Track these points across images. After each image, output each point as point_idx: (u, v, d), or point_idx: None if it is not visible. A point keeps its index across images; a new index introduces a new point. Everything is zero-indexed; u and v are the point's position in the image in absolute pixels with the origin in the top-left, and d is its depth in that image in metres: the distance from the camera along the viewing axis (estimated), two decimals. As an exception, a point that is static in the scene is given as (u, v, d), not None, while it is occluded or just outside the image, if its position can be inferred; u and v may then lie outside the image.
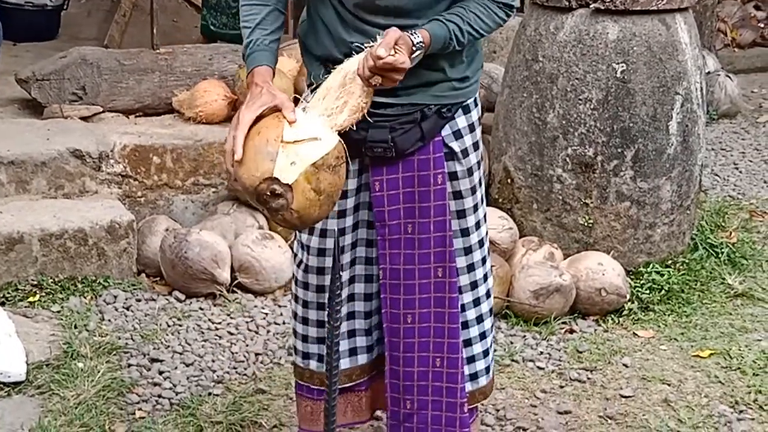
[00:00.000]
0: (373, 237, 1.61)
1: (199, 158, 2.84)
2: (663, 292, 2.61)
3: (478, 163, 1.62)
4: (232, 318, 2.46)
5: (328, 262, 1.60)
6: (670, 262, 2.72)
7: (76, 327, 2.31)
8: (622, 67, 2.60)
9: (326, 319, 1.57)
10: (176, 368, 2.21)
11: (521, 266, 2.55)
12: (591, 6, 2.61)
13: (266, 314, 2.49)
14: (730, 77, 4.16)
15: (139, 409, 2.05)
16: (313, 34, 1.55)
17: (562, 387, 2.22)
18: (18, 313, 2.35)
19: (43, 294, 2.45)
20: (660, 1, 2.59)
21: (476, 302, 1.67)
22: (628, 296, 2.56)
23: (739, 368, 2.30)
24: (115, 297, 2.49)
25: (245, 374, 2.21)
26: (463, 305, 1.64)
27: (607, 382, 2.25)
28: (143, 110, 3.03)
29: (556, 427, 2.06)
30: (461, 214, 1.60)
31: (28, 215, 2.53)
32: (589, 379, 2.25)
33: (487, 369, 1.72)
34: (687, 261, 2.74)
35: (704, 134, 2.80)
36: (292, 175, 1.35)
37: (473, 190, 1.61)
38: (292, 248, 2.54)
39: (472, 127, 1.60)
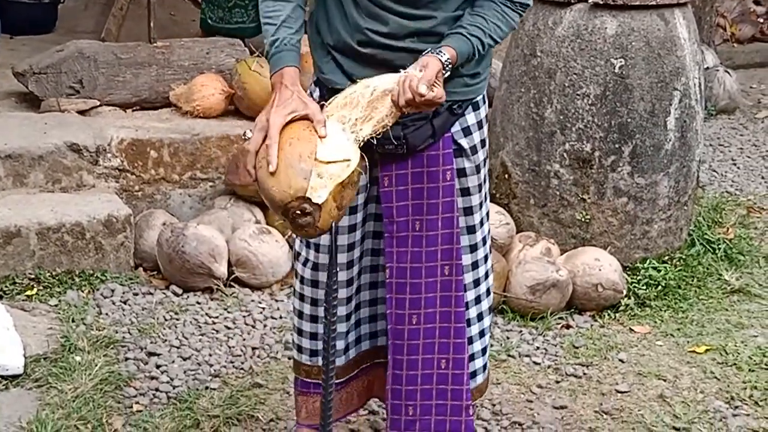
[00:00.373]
0: (380, 229, 1.61)
1: (197, 152, 2.84)
2: (660, 287, 2.61)
3: (485, 159, 1.62)
4: (229, 312, 2.47)
5: (341, 258, 1.59)
6: (666, 257, 2.72)
7: (73, 321, 2.32)
8: (621, 62, 2.59)
9: (323, 314, 1.56)
10: (173, 362, 2.21)
11: (518, 261, 2.56)
12: (589, 1, 2.61)
13: (263, 308, 2.50)
14: (728, 73, 4.16)
15: (137, 402, 2.05)
16: (325, 21, 1.53)
17: (558, 382, 2.22)
18: (15, 306, 2.35)
19: (41, 288, 2.45)
20: (659, -4, 2.59)
21: (477, 300, 1.67)
22: (624, 292, 2.56)
23: (734, 364, 2.31)
24: (113, 291, 2.49)
25: (242, 368, 2.21)
26: (466, 303, 1.64)
27: (603, 377, 2.25)
28: (140, 104, 3.02)
29: (552, 422, 2.06)
30: (468, 211, 1.60)
31: (26, 209, 2.52)
32: (585, 374, 2.26)
33: (485, 367, 1.73)
34: (684, 257, 2.74)
35: (702, 130, 2.80)
36: (322, 196, 1.36)
37: (480, 188, 1.61)
38: (289, 243, 2.55)
39: (480, 124, 1.60)
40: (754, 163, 3.66)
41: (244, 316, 2.45)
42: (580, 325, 2.50)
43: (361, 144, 1.42)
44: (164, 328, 2.36)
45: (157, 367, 2.19)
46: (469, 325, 1.66)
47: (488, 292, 1.70)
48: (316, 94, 1.57)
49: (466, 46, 1.47)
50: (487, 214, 1.66)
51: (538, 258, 2.56)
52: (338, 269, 1.59)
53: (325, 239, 1.59)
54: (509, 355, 2.33)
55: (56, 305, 2.39)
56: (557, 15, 2.65)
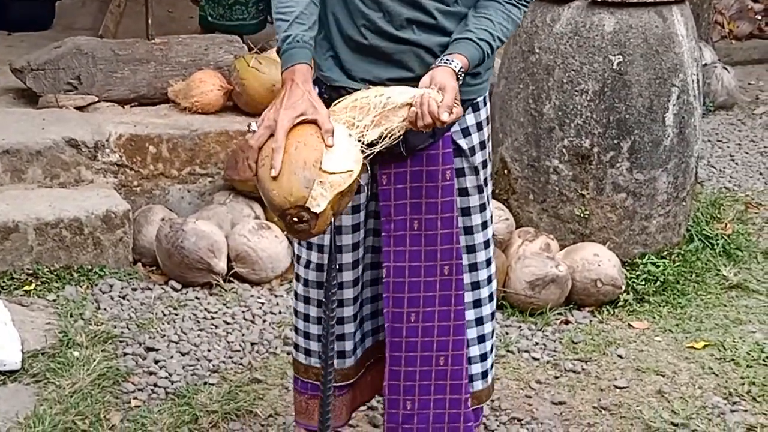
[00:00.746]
0: (379, 227, 1.60)
1: (195, 148, 2.83)
2: (658, 283, 2.61)
3: (485, 162, 1.61)
4: (228, 307, 2.46)
5: (345, 258, 1.58)
6: (665, 253, 2.72)
7: (71, 316, 2.31)
8: (619, 58, 2.60)
9: (323, 309, 1.55)
10: (172, 357, 2.21)
11: (517, 257, 2.56)
12: (588, -3, 2.61)
13: (262, 304, 2.49)
14: (726, 69, 4.16)
15: (135, 398, 2.05)
16: (328, 13, 1.51)
17: (556, 378, 2.23)
18: (13, 301, 2.35)
19: (39, 283, 2.44)
20: (657, -7, 2.59)
21: (476, 303, 1.65)
22: (623, 287, 2.56)
23: (732, 360, 2.31)
24: (111, 286, 2.49)
25: (241, 363, 2.21)
26: None
27: (601, 373, 2.26)
28: (138, 100, 3.02)
29: (551, 417, 2.06)
30: (466, 211, 1.59)
31: (24, 204, 2.52)
32: (583, 370, 2.26)
33: (484, 374, 1.69)
34: (682, 252, 2.75)
35: (700, 126, 2.81)
36: (322, 205, 1.35)
37: (480, 189, 1.60)
38: (289, 239, 2.55)
39: (480, 126, 1.59)
40: (752, 159, 3.67)
41: (243, 312, 2.45)
42: (579, 320, 2.51)
43: (364, 151, 1.41)
44: (163, 324, 2.35)
45: (156, 362, 2.19)
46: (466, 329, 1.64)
47: (491, 297, 1.66)
48: (315, 92, 1.54)
49: (477, 52, 1.46)
50: (491, 217, 1.64)
51: (537, 253, 2.56)
52: (344, 269, 1.58)
53: (327, 239, 1.58)
54: (508, 351, 2.33)
55: (54, 300, 2.39)
56: (555, 12, 2.65)
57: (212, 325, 2.38)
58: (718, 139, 3.85)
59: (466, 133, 1.57)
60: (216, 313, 2.43)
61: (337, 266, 1.57)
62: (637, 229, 2.71)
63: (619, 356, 2.33)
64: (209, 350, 2.26)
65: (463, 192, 1.58)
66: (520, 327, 2.45)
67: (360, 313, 1.68)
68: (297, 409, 1.74)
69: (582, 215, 2.68)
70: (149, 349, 2.23)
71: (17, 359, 2.09)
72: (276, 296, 2.54)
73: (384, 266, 1.57)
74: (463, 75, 1.45)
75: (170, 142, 2.80)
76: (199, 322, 2.38)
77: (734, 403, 2.14)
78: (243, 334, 2.34)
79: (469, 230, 1.60)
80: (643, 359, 2.31)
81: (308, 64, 1.43)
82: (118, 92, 2.99)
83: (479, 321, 1.66)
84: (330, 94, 1.51)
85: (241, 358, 2.23)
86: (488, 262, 1.65)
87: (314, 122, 1.38)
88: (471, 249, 1.61)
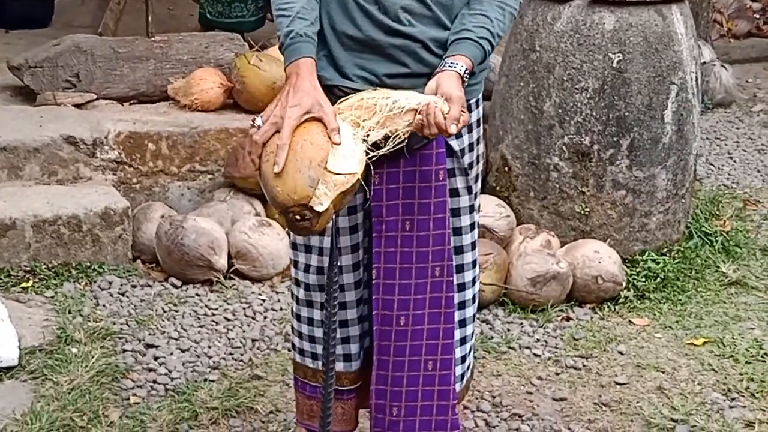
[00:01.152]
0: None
1: (195, 145, 2.82)
2: (658, 280, 2.62)
3: (471, 163, 1.59)
4: (228, 304, 2.45)
5: (345, 260, 1.56)
6: (665, 250, 2.72)
7: (70, 312, 2.30)
8: (619, 56, 2.60)
9: (323, 316, 1.53)
10: (172, 354, 2.20)
11: (518, 254, 2.56)
12: (588, -4, 2.62)
13: (263, 300, 2.49)
14: (725, 67, 4.18)
15: (134, 394, 2.04)
16: (323, 8, 1.50)
17: (557, 374, 2.22)
18: (11, 298, 2.34)
19: (37, 280, 2.43)
20: (656, -9, 2.59)
21: (461, 305, 1.63)
22: (623, 284, 2.56)
23: (732, 356, 2.31)
24: (110, 283, 2.48)
25: (241, 360, 2.20)
26: None
27: (602, 369, 2.26)
28: (138, 98, 3.01)
29: (552, 413, 2.06)
30: (456, 212, 1.58)
31: (21, 201, 2.51)
32: (584, 366, 2.26)
33: (462, 376, 1.67)
34: (682, 249, 2.75)
35: (699, 123, 2.81)
36: (324, 204, 1.36)
37: (469, 190, 1.59)
38: (289, 236, 2.53)
39: (470, 127, 1.58)
40: (750, 156, 3.68)
41: (243, 308, 2.44)
42: (580, 317, 2.51)
43: (368, 152, 1.41)
44: (163, 320, 2.34)
45: (155, 359, 2.18)
46: None
47: (474, 299, 1.65)
48: (320, 87, 1.52)
49: (479, 51, 1.46)
50: (477, 222, 1.63)
51: (538, 250, 2.56)
52: (344, 271, 1.57)
53: (326, 242, 1.56)
54: (510, 347, 2.33)
55: (52, 297, 2.38)
56: (556, 10, 2.65)
57: (212, 321, 2.37)
58: (717, 137, 3.86)
59: (457, 134, 1.55)
60: (216, 309, 2.43)
61: (341, 267, 1.56)
62: (637, 226, 2.71)
63: (620, 353, 2.33)
64: (209, 347, 2.25)
65: (454, 193, 1.57)
66: (521, 324, 2.45)
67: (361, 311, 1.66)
68: (305, 413, 1.70)
69: (582, 212, 2.69)
70: (149, 346, 2.22)
71: (14, 356, 2.08)
72: (277, 293, 2.53)
73: (374, 267, 1.55)
74: (468, 76, 1.45)
75: (170, 140, 2.80)
76: (199, 318, 2.38)
77: (733, 399, 2.14)
78: (243, 331, 2.33)
79: (458, 231, 1.59)
80: (643, 356, 2.31)
81: (312, 58, 1.42)
82: (117, 90, 2.99)
83: (462, 323, 1.64)
84: (324, 94, 1.49)
85: (242, 355, 2.23)
86: (474, 264, 1.64)
87: (320, 120, 1.37)
88: (459, 250, 1.59)
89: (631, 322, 2.49)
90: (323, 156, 1.36)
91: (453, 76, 1.42)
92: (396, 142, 1.41)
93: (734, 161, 3.62)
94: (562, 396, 2.13)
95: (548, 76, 2.66)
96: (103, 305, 2.38)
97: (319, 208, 1.35)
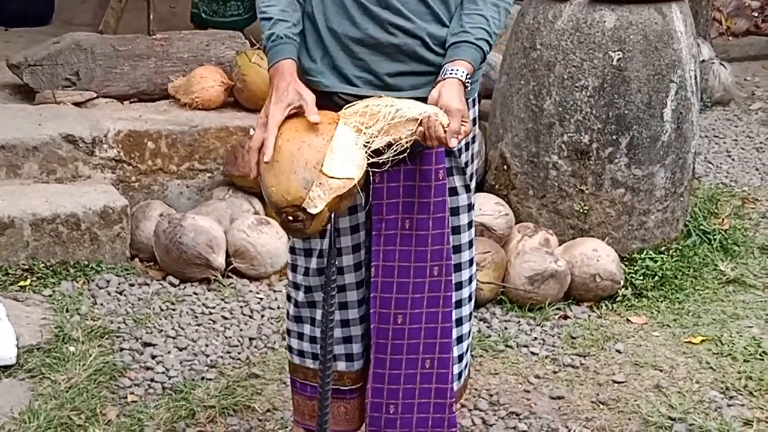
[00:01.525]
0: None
1: (195, 144, 2.83)
2: (656, 278, 2.62)
3: (467, 162, 1.60)
4: (226, 303, 2.46)
5: (346, 260, 1.56)
6: (663, 248, 2.72)
7: (67, 311, 2.30)
8: (619, 55, 2.60)
9: (321, 317, 1.53)
10: (169, 352, 2.20)
11: (517, 252, 2.56)
12: (588, -6, 2.62)
13: (261, 299, 2.49)
14: (724, 65, 4.17)
15: (131, 393, 2.04)
16: (321, 11, 1.50)
17: (555, 372, 2.22)
18: (8, 297, 2.34)
19: (35, 279, 2.44)
20: (656, -10, 2.59)
21: (458, 304, 1.63)
22: (622, 282, 2.56)
23: (730, 354, 2.31)
24: (108, 281, 2.48)
25: (239, 359, 2.21)
26: None
27: (600, 367, 2.26)
28: (138, 96, 3.01)
29: (549, 412, 2.06)
30: (454, 211, 1.58)
31: (20, 200, 2.51)
32: (582, 364, 2.26)
33: (459, 375, 1.67)
34: (680, 247, 2.75)
35: (698, 121, 2.81)
36: (318, 207, 1.36)
37: (467, 188, 1.59)
38: (289, 238, 2.53)
39: None
40: (748, 154, 3.67)
41: (241, 307, 2.44)
42: (578, 315, 2.51)
43: (369, 158, 1.41)
44: (160, 319, 2.35)
45: (153, 357, 2.18)
46: None
47: (470, 297, 1.65)
48: (300, 83, 1.51)
49: (478, 53, 1.47)
50: (473, 221, 1.64)
51: (536, 249, 2.56)
52: (345, 272, 1.56)
53: (326, 243, 1.56)
54: (507, 346, 2.33)
55: (50, 296, 2.38)
56: (557, 9, 2.65)
57: (210, 320, 2.37)
58: (715, 135, 3.86)
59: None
60: (214, 308, 2.43)
61: (341, 268, 1.56)
62: (635, 224, 2.71)
63: (618, 351, 2.33)
64: (207, 345, 2.25)
65: (453, 191, 1.57)
66: (518, 322, 2.45)
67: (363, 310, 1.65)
68: (306, 414, 1.70)
69: (581, 211, 2.68)
70: (146, 345, 2.22)
71: (12, 354, 2.08)
72: (275, 291, 2.53)
73: (373, 265, 1.55)
74: (469, 80, 1.45)
75: (169, 138, 2.80)
76: (197, 317, 2.38)
77: (731, 397, 2.14)
78: (241, 330, 2.34)
79: (456, 230, 1.59)
80: (641, 354, 2.31)
81: (293, 59, 1.45)
82: (117, 88, 2.99)
83: (459, 322, 1.64)
84: (322, 101, 1.49)
85: (239, 353, 2.23)
86: (471, 262, 1.64)
87: (300, 108, 1.39)
88: (456, 249, 1.60)
89: (628, 320, 2.49)
90: (319, 158, 1.37)
91: (454, 85, 1.43)
92: (398, 150, 1.42)
93: (733, 159, 3.62)
94: (559, 394, 2.13)
95: (548, 75, 2.66)
96: (101, 304, 2.38)
97: (312, 211, 1.36)
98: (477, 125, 1.62)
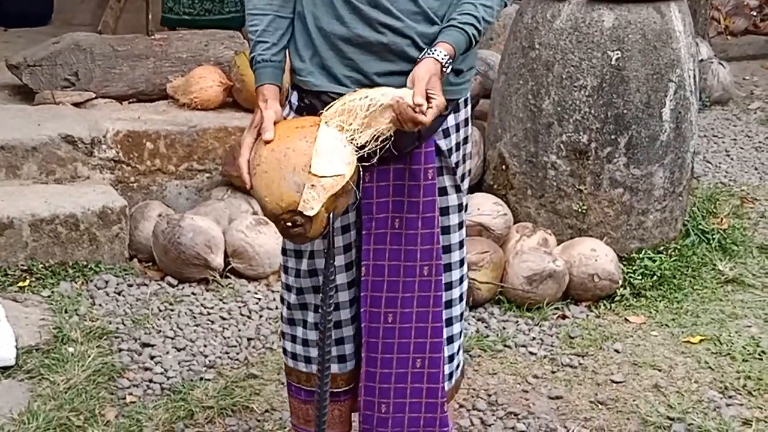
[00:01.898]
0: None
1: (193, 144, 2.83)
2: (655, 278, 2.62)
3: (458, 163, 1.59)
4: (224, 303, 2.46)
5: (338, 260, 1.56)
6: (662, 248, 2.72)
7: (66, 312, 2.31)
8: (617, 54, 2.60)
9: (320, 319, 1.52)
10: (168, 353, 2.21)
11: (515, 252, 2.56)
12: (587, -7, 2.61)
13: (259, 299, 2.49)
14: (722, 65, 4.17)
15: (130, 393, 2.05)
16: (310, 12, 1.50)
17: (553, 372, 2.23)
18: (7, 297, 2.34)
19: (34, 279, 2.44)
20: (655, -11, 2.59)
21: (448, 304, 1.62)
22: (620, 282, 2.56)
23: (728, 354, 2.31)
24: (107, 282, 2.48)
25: (237, 359, 2.21)
26: None
27: (598, 367, 2.26)
28: (137, 96, 3.01)
29: (548, 412, 2.06)
30: (444, 211, 1.58)
31: (19, 200, 2.51)
32: (580, 364, 2.26)
33: (450, 375, 1.66)
34: (679, 247, 2.75)
35: (697, 121, 2.81)
36: (315, 208, 1.37)
37: (457, 189, 1.59)
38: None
39: (458, 127, 1.58)
40: (747, 154, 3.67)
41: (239, 307, 2.44)
42: (576, 315, 2.51)
43: (358, 152, 1.42)
44: (159, 319, 2.35)
45: (151, 358, 2.18)
46: None
47: (461, 297, 1.64)
48: (294, 97, 1.55)
49: (462, 35, 1.45)
50: (464, 222, 1.63)
51: (535, 248, 2.56)
52: (337, 272, 1.56)
53: (317, 244, 1.56)
54: (505, 346, 2.33)
55: (49, 296, 2.38)
56: (555, 8, 2.65)
57: (208, 320, 2.37)
58: (714, 134, 3.85)
59: (446, 133, 1.56)
60: (212, 308, 2.43)
61: (331, 265, 1.54)
62: (634, 224, 2.71)
63: (616, 351, 2.33)
64: (205, 346, 2.26)
65: (442, 191, 1.57)
66: (517, 322, 2.45)
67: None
68: (300, 417, 1.70)
69: (579, 210, 2.68)
70: (145, 345, 2.23)
71: (11, 355, 2.08)
72: (273, 291, 2.53)
73: (363, 264, 1.54)
74: (450, 62, 1.43)
75: (168, 138, 2.80)
76: (195, 317, 2.38)
77: (730, 397, 2.14)
78: (239, 330, 2.34)
79: (446, 230, 1.59)
80: (639, 354, 2.31)
81: (272, 84, 1.48)
82: (116, 88, 2.99)
83: (449, 322, 1.64)
84: (311, 101, 1.50)
85: (238, 354, 2.23)
86: (461, 263, 1.63)
87: (261, 123, 1.44)
88: (447, 249, 1.59)
89: (627, 320, 2.49)
90: (306, 161, 1.38)
91: (428, 63, 1.42)
92: (381, 140, 1.42)
93: (731, 159, 3.62)
94: (558, 394, 2.13)
95: (547, 74, 2.66)
96: (100, 305, 2.38)
97: (309, 213, 1.37)
98: (470, 126, 1.62)
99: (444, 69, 1.43)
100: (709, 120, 3.99)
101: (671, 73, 2.65)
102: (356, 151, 1.40)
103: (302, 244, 1.50)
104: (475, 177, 2.86)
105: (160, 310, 2.40)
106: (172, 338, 2.27)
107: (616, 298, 2.55)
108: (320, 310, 1.54)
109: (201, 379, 2.10)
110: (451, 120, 1.56)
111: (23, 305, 2.32)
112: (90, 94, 2.96)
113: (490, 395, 2.12)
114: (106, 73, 2.96)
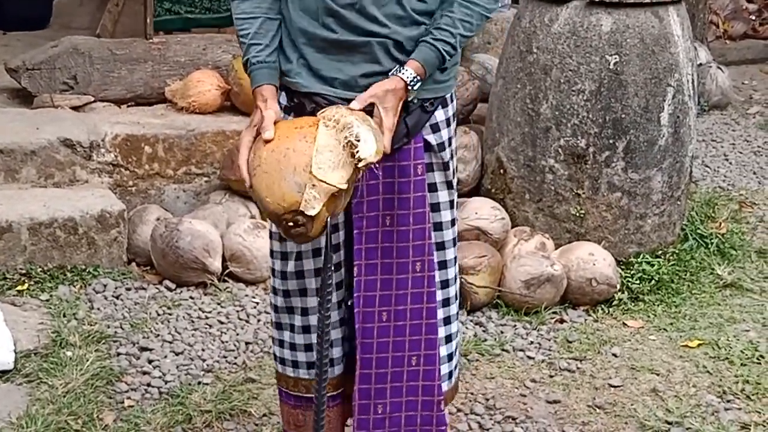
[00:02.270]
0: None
1: (192, 148, 2.83)
2: (653, 282, 2.62)
3: (449, 158, 1.59)
4: (222, 307, 2.46)
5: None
6: (660, 252, 2.73)
7: (64, 316, 2.31)
8: (615, 58, 2.60)
9: (317, 323, 1.52)
10: (166, 357, 2.21)
11: (513, 256, 2.56)
12: (585, -2, 2.62)
13: (257, 303, 2.49)
14: (721, 69, 4.18)
15: (128, 397, 2.05)
16: (289, 17, 1.50)
17: (551, 376, 2.23)
18: (6, 301, 2.34)
19: (32, 283, 2.44)
20: (653, -7, 2.60)
21: (445, 302, 1.62)
22: (618, 286, 2.57)
23: (727, 358, 2.31)
24: (105, 286, 2.48)
25: (235, 363, 2.21)
26: None
27: (596, 371, 2.26)
28: (135, 100, 3.02)
29: (545, 416, 2.06)
30: (435, 207, 1.58)
31: (17, 204, 2.52)
32: (578, 368, 2.26)
33: (450, 374, 1.66)
34: (677, 251, 2.75)
35: (695, 126, 2.81)
36: (316, 208, 1.38)
37: (449, 185, 1.59)
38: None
39: (448, 122, 1.58)
40: (746, 158, 3.68)
41: (237, 311, 2.44)
42: (574, 319, 2.51)
43: (355, 154, 1.42)
44: (157, 323, 2.35)
45: (150, 362, 2.18)
46: None
47: (456, 296, 1.64)
48: (283, 98, 1.55)
49: (432, 53, 1.47)
50: (456, 219, 1.63)
51: (532, 252, 2.56)
52: (331, 261, 1.54)
53: (304, 246, 1.56)
54: (503, 350, 2.33)
55: (47, 300, 2.38)
56: (553, 12, 2.66)
57: (206, 324, 2.37)
58: (713, 139, 3.86)
59: (435, 129, 1.56)
60: (210, 312, 2.43)
61: (315, 270, 1.55)
62: (632, 228, 2.71)
63: (614, 355, 2.33)
64: (203, 350, 2.26)
65: (432, 187, 1.57)
66: (515, 326, 2.45)
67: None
68: (291, 423, 1.69)
69: (577, 215, 2.69)
70: (143, 349, 2.23)
71: (10, 359, 2.08)
72: (271, 296, 2.54)
73: (355, 264, 1.54)
74: (418, 81, 1.46)
75: (166, 142, 2.80)
76: (193, 321, 2.38)
77: (728, 401, 2.14)
78: (237, 334, 2.34)
79: (438, 226, 1.58)
80: (637, 358, 2.32)
81: (269, 84, 1.49)
82: (114, 92, 2.99)
83: (447, 320, 1.63)
84: (301, 100, 1.51)
85: (236, 358, 2.23)
86: (455, 260, 1.63)
87: (260, 125, 1.44)
88: (440, 246, 1.59)
89: (625, 324, 2.49)
90: (307, 161, 1.39)
91: (391, 80, 1.45)
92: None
93: (730, 163, 3.62)
94: (555, 398, 2.13)
95: (545, 78, 2.66)
96: (98, 308, 2.38)
97: (311, 212, 1.38)
98: (454, 124, 1.61)
99: (409, 87, 1.46)
100: (708, 124, 4.00)
101: (669, 78, 2.65)
102: (354, 152, 1.41)
103: (303, 243, 1.50)
104: (472, 181, 2.86)
105: (158, 314, 2.40)
106: (171, 342, 2.27)
107: (614, 303, 2.56)
108: (318, 312, 1.53)
109: (199, 383, 2.11)
110: (440, 115, 1.56)
111: (22, 309, 2.32)
112: (88, 98, 2.96)
113: (488, 399, 2.12)
114: (104, 77, 2.97)
